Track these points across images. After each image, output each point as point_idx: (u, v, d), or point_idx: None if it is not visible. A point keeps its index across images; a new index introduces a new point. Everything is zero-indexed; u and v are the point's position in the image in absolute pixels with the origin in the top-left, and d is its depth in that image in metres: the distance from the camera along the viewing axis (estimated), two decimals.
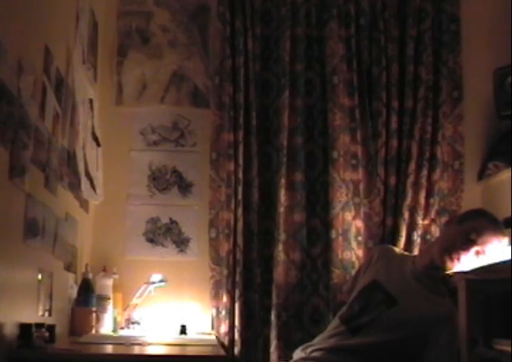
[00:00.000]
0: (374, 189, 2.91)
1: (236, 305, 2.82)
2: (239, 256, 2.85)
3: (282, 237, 2.86)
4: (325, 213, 2.92)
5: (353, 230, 2.87)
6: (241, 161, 2.90)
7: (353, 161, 2.93)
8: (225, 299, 2.84)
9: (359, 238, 2.87)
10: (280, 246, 2.85)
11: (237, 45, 2.97)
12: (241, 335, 2.81)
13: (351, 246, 2.86)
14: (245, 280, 2.86)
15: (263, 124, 2.98)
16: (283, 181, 2.89)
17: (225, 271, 2.85)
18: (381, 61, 2.98)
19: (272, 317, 2.81)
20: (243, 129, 2.93)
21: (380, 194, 2.91)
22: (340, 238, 2.87)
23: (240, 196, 2.88)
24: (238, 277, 2.84)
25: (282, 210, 2.87)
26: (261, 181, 2.94)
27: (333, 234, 2.87)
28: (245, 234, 2.88)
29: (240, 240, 2.86)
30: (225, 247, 2.87)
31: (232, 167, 2.90)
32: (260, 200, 2.91)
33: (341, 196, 2.89)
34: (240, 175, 2.90)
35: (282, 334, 2.80)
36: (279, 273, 2.84)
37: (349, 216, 2.88)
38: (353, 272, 2.80)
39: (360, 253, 2.86)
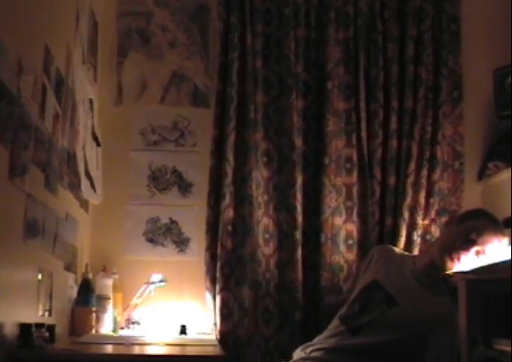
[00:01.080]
0: (370, 190, 2.91)
1: (217, 303, 2.81)
2: (222, 253, 2.84)
3: (278, 236, 2.88)
4: (315, 216, 2.91)
5: (343, 234, 2.88)
6: (231, 157, 2.89)
7: (347, 165, 2.92)
8: (207, 296, 2.84)
9: (350, 242, 2.88)
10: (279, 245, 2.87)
11: (231, 40, 2.94)
12: (221, 332, 2.79)
13: (339, 250, 2.86)
14: (241, 279, 2.85)
15: (263, 122, 2.97)
16: (280, 180, 2.91)
17: (204, 269, 2.85)
18: (379, 61, 2.97)
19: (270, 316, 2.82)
20: (235, 124, 2.91)
21: (376, 195, 2.91)
22: (329, 242, 2.87)
23: (228, 191, 2.87)
24: (218, 274, 2.82)
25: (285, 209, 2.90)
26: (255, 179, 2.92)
27: (322, 238, 2.87)
28: (238, 232, 2.87)
29: (224, 238, 2.84)
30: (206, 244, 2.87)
31: (215, 162, 2.90)
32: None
33: (331, 201, 2.90)
34: (228, 171, 2.89)
35: (280, 334, 2.81)
36: (275, 272, 2.85)
37: (339, 220, 2.88)
38: (342, 275, 2.82)
39: (349, 256, 2.86)
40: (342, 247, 2.87)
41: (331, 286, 2.81)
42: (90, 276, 2.71)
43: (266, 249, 2.88)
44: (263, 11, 3.03)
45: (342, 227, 2.88)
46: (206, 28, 3.13)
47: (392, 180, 2.91)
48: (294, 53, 2.97)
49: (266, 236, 2.89)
